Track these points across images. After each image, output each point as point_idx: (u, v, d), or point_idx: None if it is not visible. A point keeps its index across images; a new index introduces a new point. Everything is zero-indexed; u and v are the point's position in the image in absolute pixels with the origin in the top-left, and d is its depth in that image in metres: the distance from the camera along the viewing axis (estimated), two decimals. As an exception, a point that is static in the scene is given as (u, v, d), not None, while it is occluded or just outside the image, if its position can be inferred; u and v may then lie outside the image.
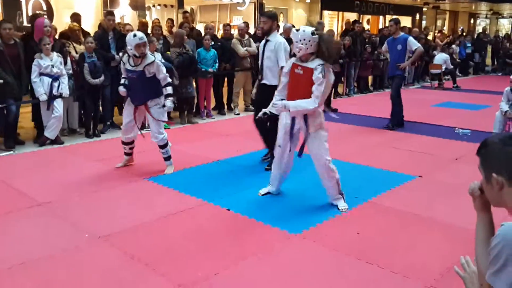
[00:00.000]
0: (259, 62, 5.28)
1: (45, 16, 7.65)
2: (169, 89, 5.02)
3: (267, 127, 5.03)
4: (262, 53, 5.19)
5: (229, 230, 3.72)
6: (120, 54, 5.11)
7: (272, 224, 3.77)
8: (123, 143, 5.22)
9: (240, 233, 3.66)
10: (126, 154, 5.31)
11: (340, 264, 3.22)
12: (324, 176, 4.13)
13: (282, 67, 4.66)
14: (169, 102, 5.01)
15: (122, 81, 5.05)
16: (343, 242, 3.50)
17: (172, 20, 9.69)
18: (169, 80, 5.06)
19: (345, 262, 3.24)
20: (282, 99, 4.12)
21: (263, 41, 5.22)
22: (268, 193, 4.49)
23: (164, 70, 5.00)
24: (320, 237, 3.58)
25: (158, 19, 10.61)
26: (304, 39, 3.84)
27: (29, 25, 9.37)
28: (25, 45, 6.41)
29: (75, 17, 7.82)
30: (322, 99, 3.92)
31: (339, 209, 4.11)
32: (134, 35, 4.71)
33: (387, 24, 19.25)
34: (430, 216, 3.99)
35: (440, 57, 13.10)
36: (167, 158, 5.19)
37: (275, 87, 4.54)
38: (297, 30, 3.94)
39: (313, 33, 3.87)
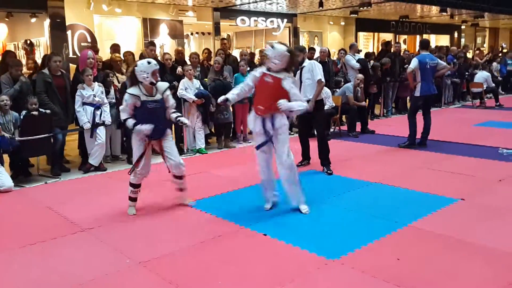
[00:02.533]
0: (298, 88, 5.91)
1: (90, 49, 8.03)
2: (177, 113, 4.85)
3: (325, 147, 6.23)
4: (300, 78, 6.05)
5: (266, 256, 3.73)
6: (129, 89, 4.65)
7: (309, 250, 3.75)
8: (134, 185, 4.75)
9: (277, 259, 3.66)
10: (133, 199, 4.81)
11: (379, 291, 3.15)
12: (286, 177, 4.54)
13: (319, 79, 5.93)
14: (183, 119, 4.84)
15: (125, 116, 4.60)
16: (382, 268, 3.44)
17: (208, 49, 9.92)
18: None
19: (384, 289, 3.17)
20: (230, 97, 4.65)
21: (298, 70, 6.10)
22: (272, 207, 4.79)
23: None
24: (358, 263, 3.53)
25: (207, 48, 10.84)
26: (280, 55, 4.37)
27: (75, 56, 9.90)
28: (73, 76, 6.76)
29: (115, 48, 8.15)
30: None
31: (302, 212, 4.56)
32: (149, 62, 4.49)
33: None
34: (473, 241, 3.86)
35: (481, 75, 12.79)
36: (182, 189, 4.93)
37: (320, 102, 6.17)
38: (272, 47, 4.43)
39: (288, 51, 4.43)
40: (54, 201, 5.28)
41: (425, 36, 20.44)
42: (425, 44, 7.87)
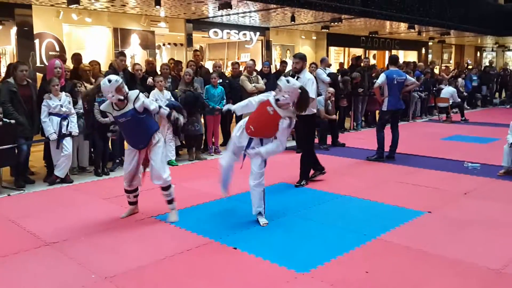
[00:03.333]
0: None
1: (58, 58, 7.88)
2: (166, 109, 4.79)
3: (309, 161, 6.24)
4: None
5: (236, 270, 3.69)
6: (101, 106, 4.71)
7: (279, 263, 3.73)
8: (127, 191, 4.85)
9: (247, 273, 3.63)
10: (130, 203, 4.94)
11: (348, 305, 3.15)
12: (253, 185, 4.68)
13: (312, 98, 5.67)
14: (173, 114, 4.76)
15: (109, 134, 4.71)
16: (352, 281, 3.45)
17: (173, 59, 9.92)
18: (157, 105, 4.77)
19: (353, 302, 3.17)
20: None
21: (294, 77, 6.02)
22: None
23: (148, 100, 4.74)
24: (328, 276, 3.53)
25: (173, 59, 10.86)
26: (292, 92, 4.39)
27: (42, 65, 9.68)
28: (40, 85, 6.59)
29: (76, 57, 7.99)
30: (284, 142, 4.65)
31: (260, 224, 4.63)
32: (109, 80, 4.36)
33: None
34: (440, 253, 3.93)
35: (447, 91, 13.18)
36: (171, 201, 4.80)
37: (311, 116, 6.01)
38: (288, 82, 4.46)
39: (300, 88, 4.45)
40: (17, 214, 5.10)
41: (393, 51, 20.95)
42: (394, 60, 8.06)
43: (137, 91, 4.65)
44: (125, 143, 5.33)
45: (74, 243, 4.26)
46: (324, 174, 6.44)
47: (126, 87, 4.51)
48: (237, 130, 4.77)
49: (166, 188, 4.73)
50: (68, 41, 10.74)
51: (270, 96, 4.61)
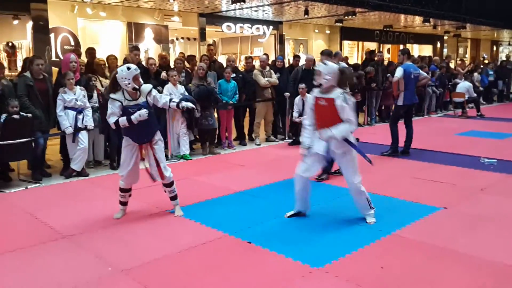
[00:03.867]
0: None
1: (73, 52, 7.93)
2: (175, 100, 4.79)
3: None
4: None
5: (250, 264, 3.70)
6: (111, 94, 4.58)
7: (293, 258, 3.73)
8: (123, 190, 4.75)
9: (261, 267, 3.63)
10: (123, 203, 4.82)
11: (363, 300, 3.15)
12: (356, 199, 4.58)
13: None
14: (183, 102, 4.72)
15: (114, 119, 4.51)
16: (367, 277, 3.44)
17: (183, 53, 9.94)
18: (168, 97, 4.81)
19: (368, 298, 3.17)
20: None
21: None
22: (294, 214, 4.76)
23: (159, 94, 4.74)
24: (343, 271, 3.53)
25: (183, 53, 10.88)
26: (332, 73, 4.35)
27: (58, 60, 9.77)
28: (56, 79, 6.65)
29: (90, 51, 8.02)
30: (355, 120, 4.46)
31: (367, 223, 4.53)
32: (129, 68, 4.42)
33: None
34: (456, 249, 3.89)
35: (463, 85, 13.00)
36: (174, 198, 4.83)
37: None
38: (326, 64, 4.45)
39: (338, 69, 4.43)
40: (34, 207, 5.17)
41: (408, 45, 20.73)
42: (409, 54, 7.97)
43: (150, 85, 4.67)
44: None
45: (90, 236, 4.31)
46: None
47: (141, 80, 4.54)
48: (316, 142, 4.55)
49: (169, 184, 4.75)
50: (83, 35, 10.82)
51: (313, 93, 4.59)
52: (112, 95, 4.56)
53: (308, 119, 4.65)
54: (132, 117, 4.45)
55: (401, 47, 20.27)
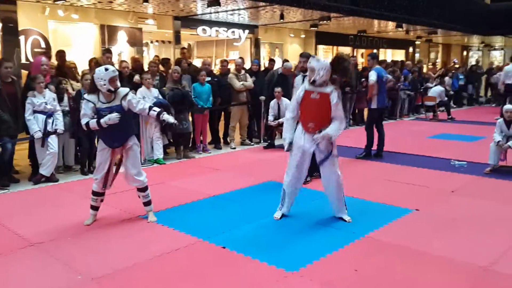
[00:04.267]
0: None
1: (44, 55, 7.76)
2: (156, 109, 4.63)
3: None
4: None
5: (225, 269, 3.66)
6: (86, 95, 4.55)
7: (268, 262, 3.71)
8: (96, 194, 4.62)
9: (236, 272, 3.60)
10: (94, 208, 4.68)
11: (337, 304, 3.15)
12: (335, 194, 4.61)
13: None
14: (166, 116, 4.61)
15: (86, 120, 4.44)
16: (341, 280, 3.44)
17: (158, 56, 9.89)
18: (147, 104, 4.73)
19: (342, 301, 3.17)
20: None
21: (300, 76, 6.36)
22: (283, 215, 4.78)
23: (137, 99, 4.63)
24: (317, 275, 3.52)
25: (157, 56, 10.77)
26: (325, 68, 4.39)
27: (27, 62, 9.53)
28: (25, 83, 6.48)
29: (60, 54, 7.86)
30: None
31: (345, 220, 4.62)
32: (106, 69, 4.32)
33: (381, 58, 19.67)
34: (428, 251, 3.94)
35: (435, 90, 13.26)
36: (148, 203, 4.71)
37: None
38: (318, 60, 4.48)
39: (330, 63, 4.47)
40: (1, 214, 5.01)
41: (381, 50, 21.07)
42: (377, 58, 8.15)
43: (127, 89, 4.59)
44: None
45: (60, 243, 4.19)
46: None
47: (119, 83, 4.46)
48: (299, 137, 4.57)
49: (143, 189, 4.66)
50: (54, 38, 10.58)
51: (303, 86, 4.58)
52: (86, 96, 4.52)
53: (291, 112, 4.64)
54: (101, 120, 4.37)
55: (375, 51, 20.67)
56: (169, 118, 4.64)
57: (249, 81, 8.92)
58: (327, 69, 4.42)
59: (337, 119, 4.45)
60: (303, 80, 6.05)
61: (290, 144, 4.60)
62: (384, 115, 8.20)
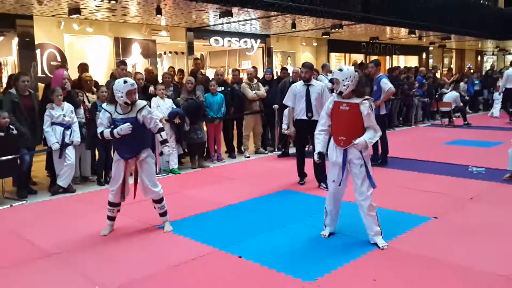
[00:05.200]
0: (304, 103, 6.36)
1: (66, 69, 7.85)
2: (163, 135, 4.72)
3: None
4: (307, 95, 6.36)
5: (241, 279, 3.64)
6: (104, 104, 4.71)
7: (285, 272, 3.68)
8: (112, 204, 4.66)
9: (252, 282, 3.58)
10: (111, 218, 4.73)
11: (356, 314, 3.10)
12: (366, 209, 4.32)
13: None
14: (166, 149, 4.72)
15: (101, 129, 4.55)
16: (359, 289, 3.40)
17: (173, 67, 10.01)
18: (161, 125, 4.77)
19: (361, 311, 3.12)
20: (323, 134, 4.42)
21: (304, 86, 6.43)
22: (331, 233, 4.54)
23: (155, 116, 4.73)
24: (335, 285, 3.49)
25: (172, 67, 10.87)
26: (350, 77, 4.17)
27: (44, 76, 9.69)
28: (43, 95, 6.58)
29: (83, 67, 7.98)
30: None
31: (378, 247, 4.18)
32: (125, 82, 4.39)
33: (394, 64, 19.57)
34: (447, 259, 3.88)
35: (450, 95, 13.12)
36: (164, 214, 4.76)
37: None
38: (340, 70, 4.24)
39: (355, 71, 4.24)
40: (19, 225, 5.07)
41: (394, 57, 20.97)
42: (380, 65, 8.19)
43: (144, 102, 4.66)
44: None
45: (77, 253, 4.22)
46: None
47: (137, 96, 4.54)
48: (332, 152, 4.39)
49: (158, 201, 4.69)
50: (70, 51, 10.76)
51: (332, 97, 4.40)
52: (104, 105, 4.64)
53: (321, 125, 4.44)
54: (114, 130, 4.44)
55: (387, 58, 20.59)
56: (165, 150, 4.73)
57: (262, 90, 8.94)
58: (353, 77, 4.17)
59: (371, 129, 4.21)
60: (308, 88, 6.36)
61: (319, 154, 4.40)
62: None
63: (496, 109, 14.54)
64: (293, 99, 6.51)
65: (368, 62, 15.10)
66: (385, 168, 7.55)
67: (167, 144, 4.76)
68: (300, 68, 6.93)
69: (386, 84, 7.58)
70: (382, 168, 7.56)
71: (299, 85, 6.54)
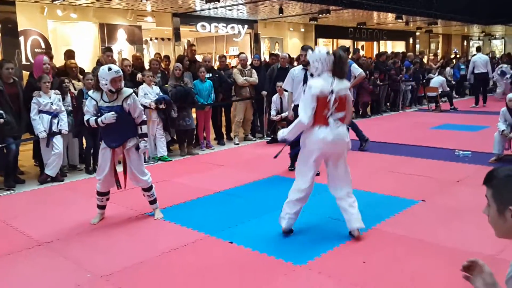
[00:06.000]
0: (302, 87, 5.99)
1: (45, 54, 7.74)
2: (144, 128, 4.61)
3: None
4: (305, 80, 5.99)
5: (233, 264, 3.67)
6: (90, 92, 4.61)
7: (276, 256, 3.72)
8: (100, 193, 4.63)
9: (243, 266, 3.61)
10: (101, 207, 4.71)
11: (347, 296, 3.15)
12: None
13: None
14: (143, 144, 4.53)
15: (88, 117, 4.49)
16: (349, 272, 3.45)
17: (159, 54, 9.94)
18: (144, 117, 4.68)
19: (352, 293, 3.17)
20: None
21: (303, 70, 6.17)
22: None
23: (140, 105, 4.63)
24: (325, 267, 3.53)
25: (158, 53, 10.77)
26: (320, 59, 3.94)
27: (28, 63, 9.53)
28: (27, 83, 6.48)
29: (69, 54, 7.87)
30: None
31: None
32: (109, 69, 4.30)
33: (382, 50, 19.61)
34: (435, 241, 3.95)
35: (437, 80, 13.22)
36: (153, 201, 4.72)
37: None
38: (312, 52, 4.09)
39: (327, 53, 3.97)
40: (8, 215, 5.02)
41: (381, 42, 21.02)
42: (349, 51, 8.17)
43: (131, 90, 4.59)
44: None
45: (67, 242, 4.21)
46: None
47: (122, 83, 4.45)
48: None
49: (147, 189, 4.65)
50: (54, 38, 10.59)
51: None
52: (90, 93, 4.58)
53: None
54: (99, 119, 4.41)
55: (375, 44, 20.62)
56: (141, 146, 4.53)
57: (254, 77, 8.90)
58: (323, 60, 3.93)
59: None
60: (306, 73, 6.05)
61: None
62: None
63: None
64: (291, 84, 6.38)
65: (353, 48, 15.16)
66: (373, 152, 7.61)
67: (145, 138, 4.61)
68: (300, 52, 6.61)
69: (357, 69, 7.55)
70: (369, 152, 7.62)
71: (297, 70, 6.38)
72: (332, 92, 3.91)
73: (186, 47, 12.05)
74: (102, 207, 4.74)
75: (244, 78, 8.78)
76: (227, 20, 14.11)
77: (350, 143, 4.15)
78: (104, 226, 4.59)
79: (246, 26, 14.76)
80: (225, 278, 3.42)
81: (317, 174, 5.71)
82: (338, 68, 3.97)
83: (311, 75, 4.20)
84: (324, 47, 4.30)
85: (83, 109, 6.45)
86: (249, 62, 9.94)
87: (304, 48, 6.36)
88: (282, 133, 4.22)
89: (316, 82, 3.96)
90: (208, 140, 8.57)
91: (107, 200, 4.75)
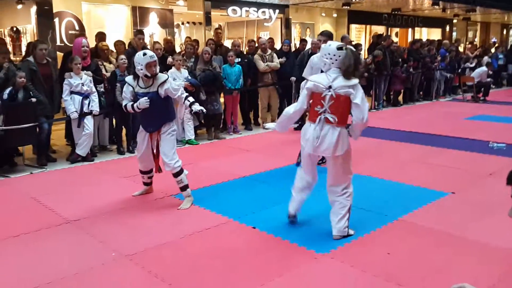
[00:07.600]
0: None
1: (85, 37, 7.84)
2: (190, 99, 4.67)
3: None
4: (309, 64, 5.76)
5: (255, 249, 3.67)
6: (127, 78, 4.72)
7: (298, 243, 3.70)
8: (142, 172, 4.86)
9: (265, 252, 3.60)
10: (145, 184, 4.97)
11: (368, 286, 3.11)
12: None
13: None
14: (197, 106, 4.64)
15: (125, 102, 4.63)
16: (373, 262, 3.39)
17: (190, 38, 9.89)
18: (186, 93, 4.74)
19: (374, 284, 3.12)
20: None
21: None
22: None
23: (177, 88, 4.66)
24: (348, 257, 3.49)
25: (189, 37, 10.77)
26: (329, 54, 3.72)
27: (62, 44, 9.72)
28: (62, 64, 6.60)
29: (100, 36, 7.95)
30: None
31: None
32: (144, 54, 4.36)
33: (417, 37, 19.07)
34: (463, 235, 3.84)
35: (477, 71, 12.75)
36: (184, 188, 4.65)
37: None
38: (327, 43, 3.91)
39: (338, 48, 3.73)
40: (39, 192, 5.17)
41: (417, 29, 20.42)
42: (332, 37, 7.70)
43: (166, 75, 4.62)
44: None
45: (95, 221, 4.30)
46: None
47: (158, 68, 4.50)
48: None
49: (175, 174, 4.64)
50: (88, 20, 10.74)
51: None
52: (127, 79, 4.68)
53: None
54: (134, 104, 4.51)
55: (410, 30, 20.06)
56: (196, 108, 4.64)
57: (275, 62, 8.75)
58: (332, 55, 3.68)
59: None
60: None
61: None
62: None
63: None
64: (310, 72, 6.26)
65: (386, 34, 14.74)
66: (404, 142, 7.45)
67: (195, 103, 4.68)
68: (318, 37, 6.48)
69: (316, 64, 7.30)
70: (400, 142, 7.46)
71: (316, 57, 6.27)
72: (330, 88, 3.69)
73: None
74: (146, 184, 4.97)
75: (266, 64, 8.67)
76: (258, 5, 13.97)
77: (342, 150, 3.82)
78: (130, 207, 4.67)
79: (277, 11, 14.59)
80: (247, 263, 3.43)
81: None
82: (344, 66, 3.66)
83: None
84: (336, 42, 3.94)
85: (115, 90, 6.57)
86: (278, 47, 9.84)
87: (324, 34, 5.96)
88: (272, 125, 4.22)
89: (314, 76, 3.89)
90: (235, 125, 8.56)
91: (149, 178, 4.92)
